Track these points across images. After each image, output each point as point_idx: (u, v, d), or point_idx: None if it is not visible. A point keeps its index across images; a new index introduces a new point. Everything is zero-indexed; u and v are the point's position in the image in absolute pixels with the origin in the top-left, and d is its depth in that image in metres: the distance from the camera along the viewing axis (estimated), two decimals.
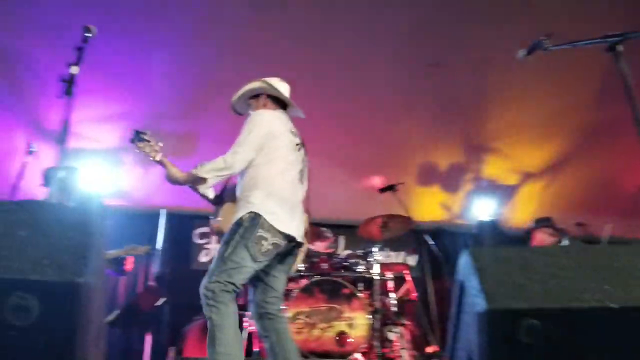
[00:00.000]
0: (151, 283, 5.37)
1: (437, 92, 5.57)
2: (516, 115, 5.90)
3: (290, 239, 2.73)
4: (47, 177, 3.57)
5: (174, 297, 5.59)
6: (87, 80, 4.51)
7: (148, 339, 5.15)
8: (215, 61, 4.84)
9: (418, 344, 5.33)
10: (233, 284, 2.52)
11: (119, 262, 4.05)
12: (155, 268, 5.67)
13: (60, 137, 2.21)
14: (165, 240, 5.90)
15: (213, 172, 2.70)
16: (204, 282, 2.57)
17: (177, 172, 2.84)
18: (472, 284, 1.33)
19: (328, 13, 4.79)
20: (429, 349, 5.16)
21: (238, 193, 2.84)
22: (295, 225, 2.77)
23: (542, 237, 5.16)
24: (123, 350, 5.22)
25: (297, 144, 2.97)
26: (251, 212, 2.63)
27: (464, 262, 1.50)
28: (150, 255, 4.11)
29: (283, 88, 3.11)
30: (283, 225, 2.67)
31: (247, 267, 2.56)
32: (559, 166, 6.42)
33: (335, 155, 5.97)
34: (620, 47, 2.27)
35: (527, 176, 6.61)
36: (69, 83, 2.27)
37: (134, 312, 4.33)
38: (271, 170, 2.76)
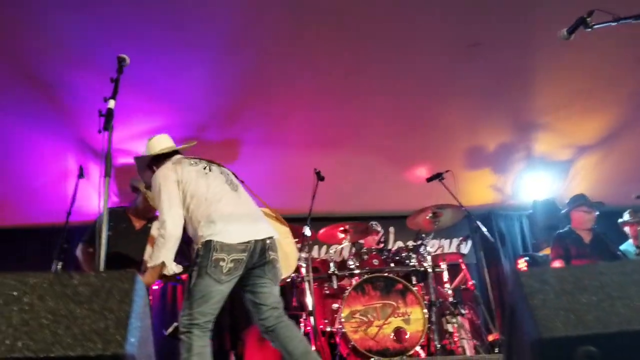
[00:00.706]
0: None
1: (480, 73, 5.38)
2: (567, 87, 5.63)
3: (251, 247, 2.75)
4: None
5: (231, 301, 5.70)
6: (130, 98, 4.68)
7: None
8: (254, 67, 4.85)
9: (479, 332, 5.26)
10: (201, 313, 2.60)
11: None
12: None
13: (106, 170, 2.27)
14: None
15: (163, 252, 2.73)
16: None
17: (145, 278, 2.80)
18: (523, 309, 1.26)
19: (362, 3, 4.70)
20: (490, 337, 5.08)
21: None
22: (251, 230, 2.82)
23: (579, 216, 5.03)
24: None
25: (204, 168, 3.04)
26: (202, 241, 2.71)
27: (513, 284, 1.43)
28: None
29: (159, 143, 3.24)
30: (236, 237, 2.72)
31: (214, 291, 2.63)
32: (614, 137, 6.13)
33: (380, 147, 5.91)
34: None
35: (581, 150, 6.34)
36: (107, 117, 2.32)
37: None
38: (200, 205, 2.82)
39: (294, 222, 5.75)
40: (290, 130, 5.52)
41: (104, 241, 2.12)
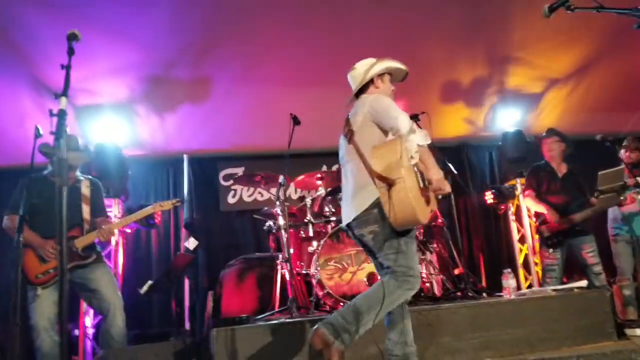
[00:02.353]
0: (182, 250, 5.52)
1: (460, 6, 5.23)
2: (542, 22, 5.51)
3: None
4: (45, 153, 3.57)
5: (207, 241, 5.79)
6: (92, 37, 4.38)
7: (186, 283, 5.42)
8: (222, 3, 4.58)
9: (447, 267, 5.51)
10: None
11: (148, 217, 4.15)
12: (184, 214, 5.80)
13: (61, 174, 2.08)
14: (191, 186, 5.96)
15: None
16: None
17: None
18: None
19: None
20: (456, 271, 5.33)
21: None
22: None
23: (548, 147, 5.13)
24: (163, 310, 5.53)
25: None
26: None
27: None
28: (178, 205, 4.18)
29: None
30: None
31: None
32: (584, 70, 6.18)
33: None
34: None
35: (553, 82, 6.37)
36: (60, 117, 2.09)
37: (169, 278, 4.51)
38: None
39: (273, 160, 5.81)
40: (267, 68, 5.33)
41: (64, 201, 2.02)
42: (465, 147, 6.83)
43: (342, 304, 4.09)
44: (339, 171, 5.10)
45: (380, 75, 2.97)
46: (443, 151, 5.19)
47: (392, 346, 2.70)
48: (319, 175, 4.83)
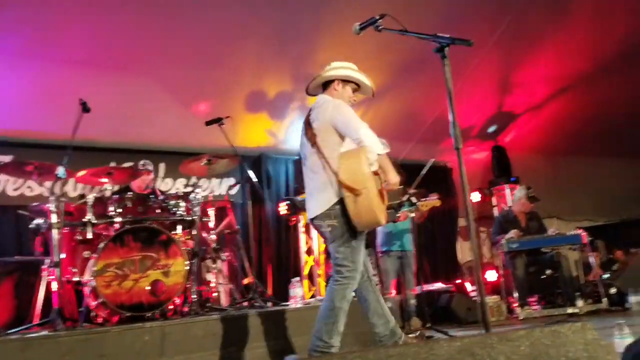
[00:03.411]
0: None
1: (272, 20, 5.30)
2: (346, 48, 5.92)
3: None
4: None
5: None
6: None
7: None
8: None
9: (236, 276, 5.46)
10: None
11: None
12: None
13: None
14: None
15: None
16: None
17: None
18: None
19: None
20: (245, 281, 5.31)
21: None
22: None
23: None
24: None
25: None
26: None
27: None
28: None
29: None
30: None
31: None
32: (375, 97, 6.73)
33: (163, 77, 5.50)
34: (447, 50, 2.31)
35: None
36: None
37: None
38: None
39: (52, 150, 5.10)
40: (60, 42, 4.69)
41: None
42: (265, 158, 6.91)
43: (119, 315, 3.73)
44: (130, 169, 4.71)
45: (344, 81, 3.10)
46: (244, 159, 5.16)
47: (378, 329, 3.04)
48: (106, 172, 4.36)
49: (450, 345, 1.63)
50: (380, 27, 2.61)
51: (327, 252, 5.45)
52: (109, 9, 4.65)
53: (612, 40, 6.33)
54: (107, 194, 4.29)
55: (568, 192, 9.00)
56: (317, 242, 6.77)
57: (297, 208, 6.71)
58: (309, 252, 6.87)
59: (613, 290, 5.81)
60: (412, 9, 5.07)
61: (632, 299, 5.14)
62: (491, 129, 8.21)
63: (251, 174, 5.11)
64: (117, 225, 4.07)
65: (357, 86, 3.18)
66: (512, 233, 5.88)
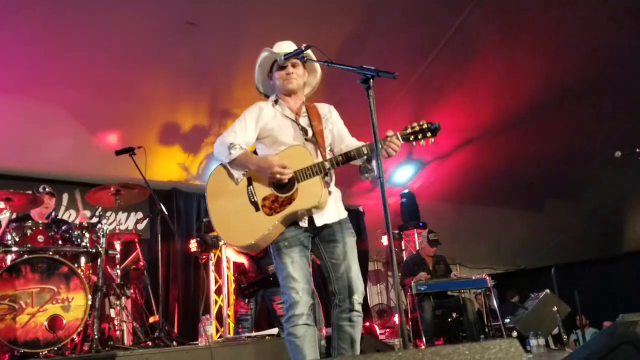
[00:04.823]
0: None
1: (190, 53, 5.27)
2: None
3: None
4: None
5: None
6: None
7: None
8: None
9: (141, 313, 5.18)
10: None
11: None
12: None
13: None
14: None
15: None
16: None
17: None
18: None
19: None
20: (151, 319, 5.05)
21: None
22: None
23: None
24: None
25: None
26: None
27: None
28: None
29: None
30: None
31: None
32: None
33: (72, 104, 5.24)
34: (371, 81, 2.39)
35: None
36: None
37: None
38: None
39: None
40: None
41: None
42: (176, 192, 6.72)
43: (12, 352, 3.40)
44: (32, 194, 4.38)
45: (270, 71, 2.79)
46: (156, 193, 4.99)
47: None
48: (4, 197, 4.02)
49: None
50: (306, 58, 2.67)
51: (236, 293, 5.27)
52: (8, 30, 4.42)
53: (516, 95, 6.83)
54: (4, 221, 3.97)
55: (471, 239, 9.48)
56: (227, 282, 6.59)
57: (208, 245, 6.52)
58: (219, 291, 6.66)
59: (514, 334, 6.08)
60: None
61: (532, 342, 5.39)
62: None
63: (162, 207, 4.93)
64: (13, 255, 3.76)
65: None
66: (421, 275, 6.05)
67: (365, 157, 2.61)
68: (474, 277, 6.41)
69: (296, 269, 2.53)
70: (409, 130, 2.56)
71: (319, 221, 2.58)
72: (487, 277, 6.21)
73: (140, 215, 6.08)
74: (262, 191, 2.58)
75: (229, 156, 2.55)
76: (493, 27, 6.04)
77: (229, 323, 6.37)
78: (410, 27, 5.75)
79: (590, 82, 6.43)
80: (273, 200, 2.56)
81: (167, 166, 6.43)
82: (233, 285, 6.39)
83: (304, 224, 2.58)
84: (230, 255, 5.36)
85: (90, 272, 4.35)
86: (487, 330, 6.25)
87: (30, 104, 5.04)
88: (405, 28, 5.75)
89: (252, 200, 2.57)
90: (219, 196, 2.61)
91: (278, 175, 2.50)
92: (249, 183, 2.59)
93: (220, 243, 6.55)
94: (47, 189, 4.67)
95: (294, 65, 2.67)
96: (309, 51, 2.66)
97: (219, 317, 6.55)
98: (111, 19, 4.60)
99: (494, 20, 5.94)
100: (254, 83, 2.86)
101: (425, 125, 2.55)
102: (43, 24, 4.42)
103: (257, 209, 2.56)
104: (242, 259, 5.09)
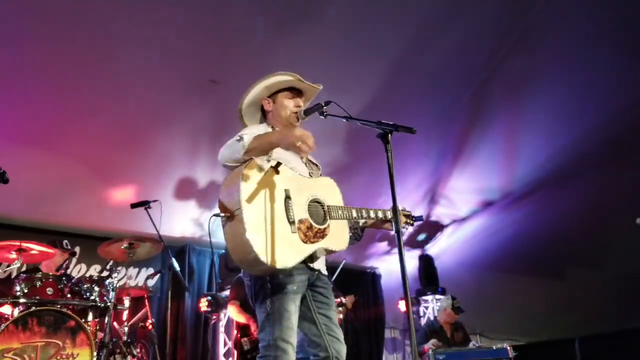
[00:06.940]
0: None
1: (212, 109, 5.35)
2: None
3: None
4: None
5: None
6: None
7: None
8: None
9: None
10: None
11: None
12: None
13: None
14: None
15: None
16: None
17: None
18: None
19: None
20: None
21: None
22: None
23: None
24: None
25: None
26: None
27: None
28: None
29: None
30: None
31: None
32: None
33: (91, 158, 5.29)
34: (390, 136, 2.36)
35: None
36: None
37: None
38: None
39: None
40: None
41: None
42: (189, 249, 6.63)
43: None
44: (52, 246, 4.35)
45: (270, 96, 2.83)
46: (169, 248, 4.92)
47: None
48: (16, 247, 3.99)
49: None
50: (326, 114, 2.66)
51: (238, 358, 5.04)
52: (30, 85, 4.53)
53: (535, 158, 6.72)
54: (15, 272, 3.92)
55: (492, 308, 9.11)
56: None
57: (219, 305, 6.36)
58: (228, 355, 6.43)
59: None
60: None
61: None
62: (420, 237, 8.34)
63: (175, 262, 4.86)
64: (21, 307, 3.69)
65: (295, 92, 2.72)
66: (431, 343, 5.84)
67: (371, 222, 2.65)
68: (494, 347, 6.14)
69: (294, 322, 2.28)
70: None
71: (317, 264, 2.42)
72: (509, 347, 5.93)
73: (151, 270, 5.98)
74: (299, 212, 2.36)
75: (242, 143, 2.37)
76: (510, 93, 6.07)
77: None
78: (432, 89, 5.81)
79: (614, 146, 6.34)
80: (308, 227, 2.35)
81: (181, 221, 6.38)
82: None
83: (314, 264, 2.39)
84: (233, 315, 5.17)
85: (97, 327, 4.23)
86: None
87: (50, 157, 5.10)
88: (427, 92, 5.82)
89: (291, 219, 2.31)
90: (255, 205, 2.25)
91: (299, 143, 2.23)
92: (287, 196, 2.36)
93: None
94: (69, 246, 4.71)
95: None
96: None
97: None
98: (135, 75, 4.71)
99: (510, 86, 5.98)
100: (243, 98, 2.78)
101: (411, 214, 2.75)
102: (66, 78, 4.52)
103: (293, 231, 2.30)
104: (244, 319, 4.91)
